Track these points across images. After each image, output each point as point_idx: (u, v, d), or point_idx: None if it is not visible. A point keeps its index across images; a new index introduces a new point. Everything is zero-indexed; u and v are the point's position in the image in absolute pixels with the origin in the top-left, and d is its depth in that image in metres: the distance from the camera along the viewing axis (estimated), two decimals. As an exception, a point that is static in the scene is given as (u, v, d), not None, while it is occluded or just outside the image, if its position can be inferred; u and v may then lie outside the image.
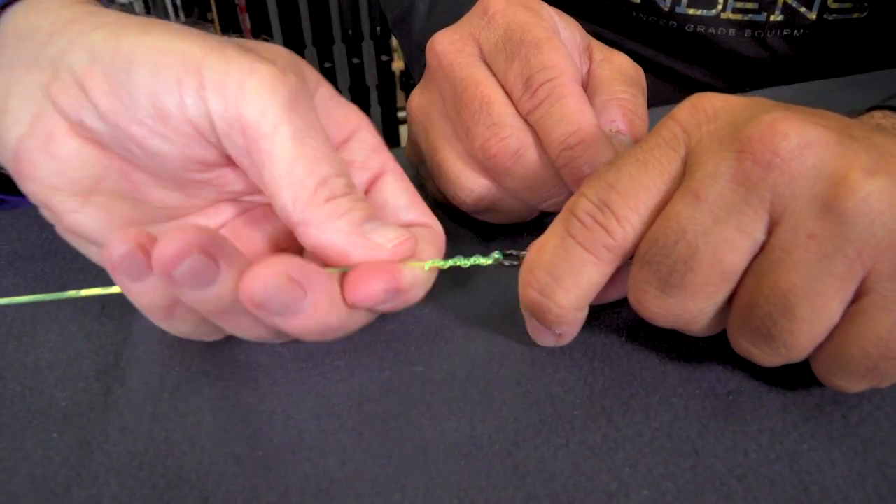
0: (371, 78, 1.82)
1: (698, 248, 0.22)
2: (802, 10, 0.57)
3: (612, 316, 0.29)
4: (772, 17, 0.57)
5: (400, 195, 0.30)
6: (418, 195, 0.30)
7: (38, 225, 0.37)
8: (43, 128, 0.25)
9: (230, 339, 0.29)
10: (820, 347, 0.23)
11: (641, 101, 0.33)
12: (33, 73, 0.26)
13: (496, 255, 0.29)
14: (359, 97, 1.83)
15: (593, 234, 0.24)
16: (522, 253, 0.27)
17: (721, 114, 0.23)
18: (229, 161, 0.26)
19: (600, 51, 0.34)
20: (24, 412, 0.26)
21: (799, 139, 0.21)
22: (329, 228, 0.25)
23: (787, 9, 0.56)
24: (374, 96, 1.85)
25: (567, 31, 0.34)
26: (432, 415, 0.26)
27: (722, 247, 0.22)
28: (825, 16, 0.57)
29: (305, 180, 0.25)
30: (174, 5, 1.77)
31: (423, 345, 0.29)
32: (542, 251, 0.26)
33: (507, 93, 0.31)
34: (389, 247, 0.26)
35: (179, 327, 0.26)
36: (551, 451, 0.24)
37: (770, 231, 0.22)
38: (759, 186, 0.22)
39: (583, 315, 0.26)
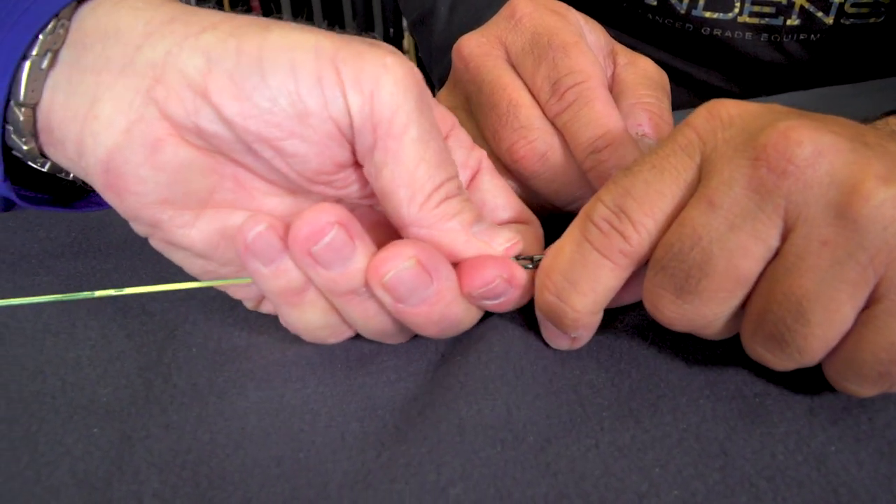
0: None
1: (713, 254, 0.23)
2: (819, 14, 0.57)
3: (637, 318, 0.30)
4: (788, 22, 0.58)
5: (497, 193, 0.30)
6: (513, 193, 0.31)
7: (66, 223, 0.38)
8: (146, 136, 0.24)
9: (283, 340, 0.29)
10: (832, 352, 0.23)
11: (666, 104, 0.33)
12: (129, 78, 0.24)
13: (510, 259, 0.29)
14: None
15: (610, 239, 0.24)
16: (537, 256, 0.28)
17: (736, 121, 0.24)
18: (356, 161, 0.26)
19: (625, 55, 0.35)
20: (65, 407, 0.27)
21: (813, 147, 0.22)
22: (441, 229, 0.25)
23: (803, 13, 0.57)
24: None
25: (592, 34, 0.34)
26: (467, 393, 0.26)
27: (737, 253, 0.23)
28: (842, 20, 0.57)
29: (425, 183, 0.25)
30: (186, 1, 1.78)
31: (466, 343, 0.29)
32: (558, 256, 0.26)
33: (533, 96, 0.32)
34: (501, 249, 0.26)
35: (308, 315, 0.27)
36: (581, 452, 0.25)
37: (784, 237, 0.23)
38: (773, 193, 0.22)
39: (598, 318, 0.27)
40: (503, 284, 0.26)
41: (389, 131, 0.24)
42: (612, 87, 0.34)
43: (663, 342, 0.29)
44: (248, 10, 1.67)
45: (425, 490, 0.23)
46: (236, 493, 0.24)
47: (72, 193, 0.32)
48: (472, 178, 0.30)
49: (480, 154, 0.30)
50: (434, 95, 0.35)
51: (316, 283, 0.25)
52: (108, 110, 0.24)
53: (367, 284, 0.25)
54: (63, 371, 0.28)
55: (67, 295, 0.27)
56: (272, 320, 0.30)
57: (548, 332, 0.28)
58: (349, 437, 0.25)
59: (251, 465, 0.25)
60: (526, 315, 0.30)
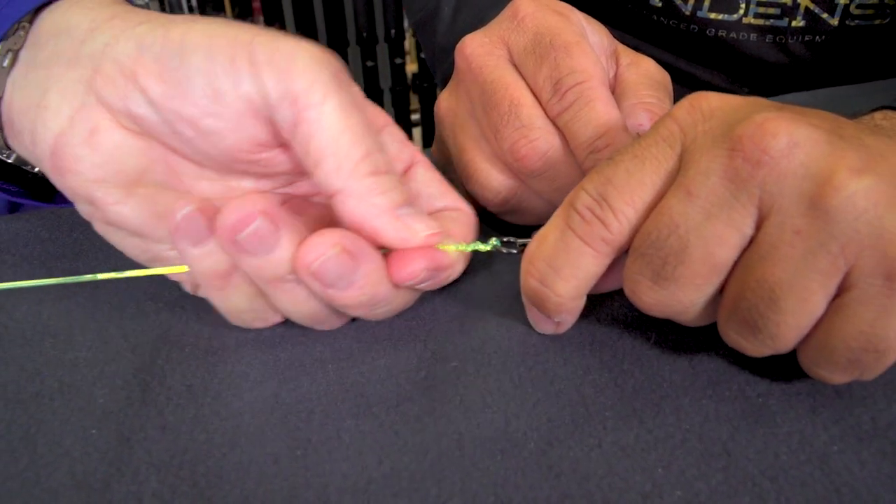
0: (385, 81, 1.82)
1: (689, 241, 0.23)
2: (825, 16, 0.57)
3: (640, 319, 0.30)
4: (793, 23, 0.57)
5: (431, 184, 0.31)
6: (447, 183, 0.31)
7: (68, 225, 0.38)
8: (85, 121, 0.26)
9: (273, 340, 0.29)
10: (805, 339, 0.24)
11: (668, 104, 0.33)
12: (73, 70, 0.26)
13: (494, 241, 0.30)
14: (372, 100, 1.83)
15: (591, 227, 0.25)
16: (521, 241, 0.28)
17: (717, 113, 0.24)
18: (279, 142, 0.27)
19: (627, 55, 0.35)
20: (62, 409, 0.27)
21: (788, 138, 0.22)
22: (368, 202, 0.26)
23: (808, 14, 0.57)
24: (387, 99, 1.86)
25: (595, 35, 0.34)
26: (466, 408, 0.26)
27: (712, 241, 0.23)
28: (847, 22, 0.57)
29: (350, 150, 0.26)
30: (189, 6, 1.78)
31: (457, 341, 0.29)
32: (542, 243, 0.27)
33: (535, 95, 0.32)
34: (422, 236, 0.27)
35: (234, 299, 0.27)
36: (585, 452, 0.24)
37: (758, 226, 0.23)
38: (748, 183, 0.22)
39: (580, 303, 0.27)
40: (430, 272, 0.27)
41: (308, 102, 0.25)
42: (614, 87, 0.34)
43: (666, 342, 0.29)
44: (249, 11, 1.68)
45: None
46: (234, 492, 0.24)
47: (46, 188, 0.34)
48: (407, 171, 0.31)
49: (414, 149, 0.32)
50: (437, 95, 0.36)
51: (243, 269, 0.26)
52: (55, 100, 0.26)
53: (294, 272, 0.25)
54: (61, 372, 0.28)
55: (68, 278, 0.29)
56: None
57: (533, 316, 0.29)
58: (345, 434, 0.25)
59: (248, 464, 0.24)
60: (525, 316, 0.30)
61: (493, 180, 0.33)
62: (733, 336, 0.25)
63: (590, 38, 0.33)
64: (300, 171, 0.28)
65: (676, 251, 0.24)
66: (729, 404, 0.26)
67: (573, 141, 0.30)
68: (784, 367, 0.27)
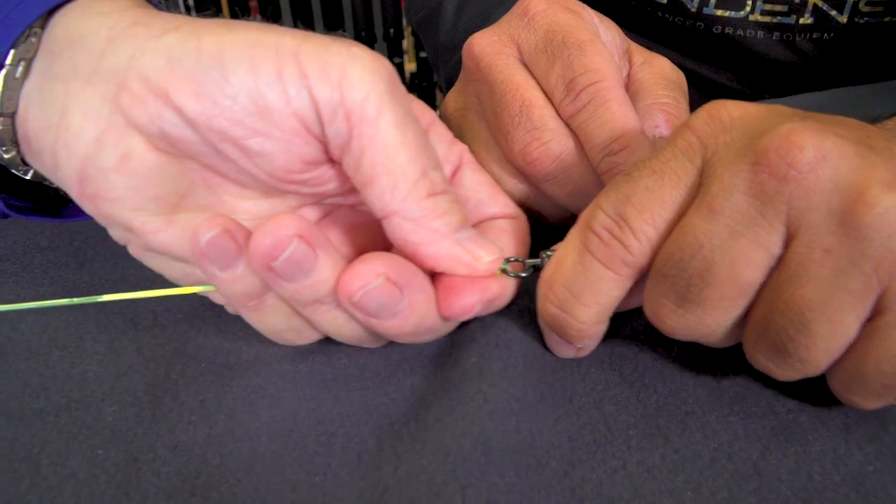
0: (384, 79, 1.81)
1: (715, 262, 0.22)
2: (833, 13, 0.56)
3: (660, 334, 0.29)
4: (801, 20, 0.57)
5: (481, 188, 0.29)
6: (497, 186, 0.30)
7: (68, 232, 0.37)
8: (115, 145, 0.24)
9: (294, 353, 0.28)
10: (836, 363, 0.23)
11: (684, 105, 0.32)
12: (95, 86, 0.24)
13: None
14: (371, 98, 1.82)
15: (611, 249, 0.24)
16: (530, 262, 0.27)
17: (737, 124, 0.23)
18: (329, 157, 0.25)
19: (640, 54, 0.33)
20: (69, 427, 0.26)
21: (815, 151, 0.21)
22: (426, 227, 0.24)
23: (817, 11, 0.56)
24: (386, 98, 1.84)
25: (608, 33, 0.33)
26: (492, 410, 0.25)
27: (738, 261, 0.22)
28: (856, 19, 0.56)
29: (406, 169, 0.24)
30: (186, 5, 1.77)
31: (478, 337, 0.28)
32: (559, 267, 0.25)
33: (547, 96, 0.31)
34: (486, 261, 0.25)
35: (270, 321, 0.26)
36: (608, 474, 0.24)
37: (787, 244, 0.22)
38: (775, 199, 0.21)
39: (603, 328, 0.26)
40: (484, 305, 0.26)
41: (363, 116, 0.23)
42: (628, 86, 0.33)
43: (688, 355, 0.28)
44: (247, 10, 1.67)
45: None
46: (249, 521, 0.23)
47: (57, 202, 0.31)
48: (455, 174, 0.30)
49: (462, 148, 0.30)
50: (443, 96, 0.35)
51: (278, 294, 0.25)
52: (77, 120, 0.24)
53: (337, 299, 0.24)
54: (68, 387, 0.27)
55: (75, 300, 0.27)
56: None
57: (552, 341, 0.27)
58: (366, 456, 0.24)
59: (264, 491, 0.23)
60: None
61: (504, 184, 0.32)
62: (761, 360, 0.24)
63: (602, 37, 0.32)
64: (350, 189, 0.26)
65: (701, 272, 0.22)
66: (758, 421, 0.25)
67: (588, 143, 0.29)
68: (813, 381, 0.26)
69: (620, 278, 0.24)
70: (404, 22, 1.79)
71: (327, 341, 0.28)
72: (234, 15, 1.68)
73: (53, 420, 0.26)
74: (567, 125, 0.30)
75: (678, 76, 0.33)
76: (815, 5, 0.55)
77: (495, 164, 0.32)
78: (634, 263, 0.24)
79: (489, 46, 0.32)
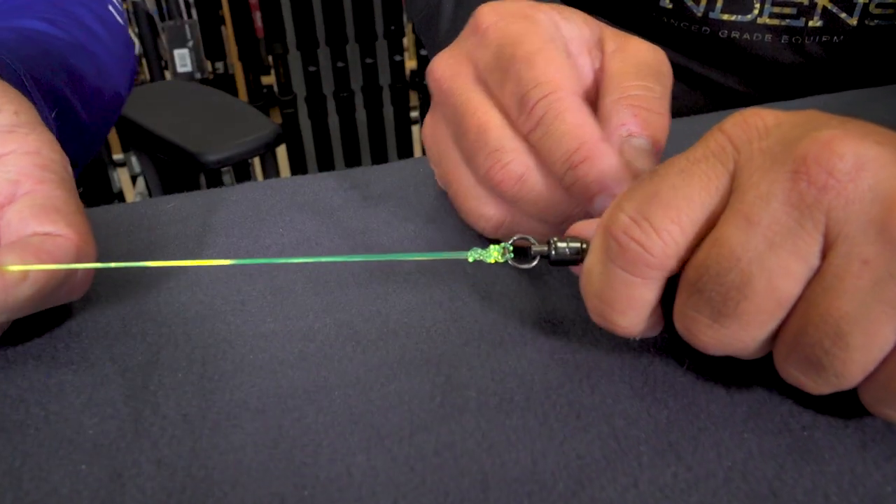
0: (384, 77, 1.80)
1: (753, 275, 0.21)
2: (843, 15, 0.55)
3: (673, 342, 0.28)
4: (810, 23, 0.55)
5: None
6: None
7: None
8: None
9: (272, 365, 0.27)
10: (870, 376, 0.22)
11: (659, 92, 0.30)
12: None
13: (496, 250, 0.27)
14: (371, 96, 1.81)
15: (632, 254, 0.23)
16: (535, 248, 0.26)
17: (773, 131, 0.22)
18: None
19: (613, 40, 0.31)
20: (50, 440, 0.25)
21: (855, 160, 0.20)
22: None
23: (826, 14, 0.55)
24: (386, 96, 1.83)
25: (573, 29, 0.31)
26: (490, 445, 0.24)
27: (777, 273, 0.21)
28: (866, 21, 0.55)
29: None
30: (186, 3, 1.76)
31: (475, 367, 0.27)
32: (588, 279, 0.24)
33: (506, 114, 0.29)
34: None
35: None
36: (619, 493, 0.22)
37: (824, 255, 0.21)
38: (813, 209, 0.20)
39: (654, 319, 0.25)
40: None
41: None
42: (598, 80, 0.31)
43: (701, 368, 0.26)
44: (247, 7, 1.65)
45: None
46: (237, 540, 0.21)
47: None
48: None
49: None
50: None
51: None
52: None
53: None
54: (46, 399, 0.26)
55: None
56: (256, 341, 0.28)
57: None
58: (356, 471, 0.23)
59: (252, 506, 0.22)
60: (546, 339, 0.28)
61: (482, 207, 0.31)
62: (793, 373, 0.23)
63: (565, 33, 0.31)
64: None
65: (738, 286, 0.21)
66: (773, 438, 0.24)
67: (548, 159, 0.28)
68: (829, 396, 0.25)
69: (648, 282, 0.23)
70: (405, 19, 1.78)
71: (303, 355, 0.28)
72: (235, 10, 1.66)
73: (34, 433, 0.25)
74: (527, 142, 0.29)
75: (655, 57, 0.31)
76: (824, 8, 0.54)
77: (472, 188, 0.31)
78: (659, 266, 0.23)
79: (448, 69, 0.31)
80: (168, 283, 0.32)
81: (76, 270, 0.28)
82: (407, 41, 1.82)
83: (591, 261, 0.24)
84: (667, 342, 0.28)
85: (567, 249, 0.26)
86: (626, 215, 0.23)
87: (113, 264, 0.28)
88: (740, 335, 0.22)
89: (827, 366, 0.21)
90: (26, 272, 0.26)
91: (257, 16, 1.70)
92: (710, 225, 0.22)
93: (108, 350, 0.28)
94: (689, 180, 0.22)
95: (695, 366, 0.27)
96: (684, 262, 0.23)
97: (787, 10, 0.55)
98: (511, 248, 0.27)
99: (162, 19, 1.75)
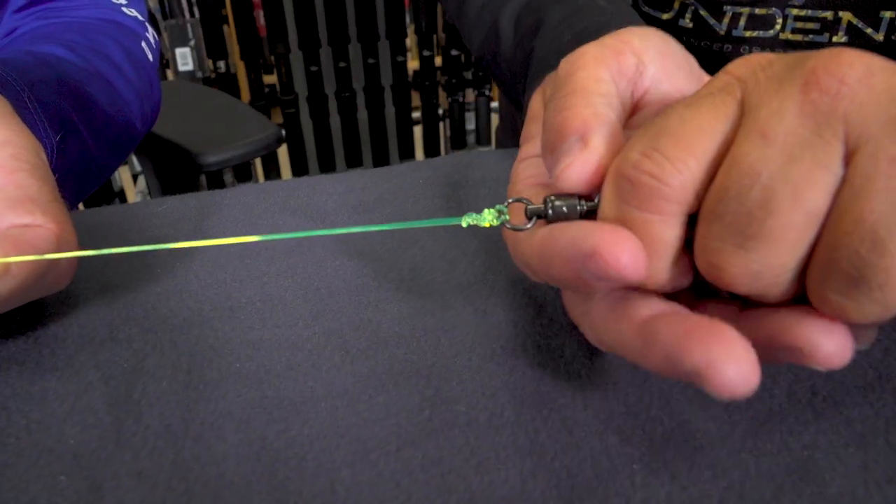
0: (386, 78, 1.80)
1: (776, 189, 0.20)
2: (869, 31, 0.53)
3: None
4: (835, 38, 0.54)
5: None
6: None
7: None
8: None
9: (259, 374, 0.27)
10: None
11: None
12: None
13: (490, 213, 0.25)
14: (373, 96, 1.80)
15: (646, 188, 0.21)
16: (532, 207, 0.24)
17: (776, 61, 0.21)
18: None
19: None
20: (30, 449, 0.24)
21: (865, 67, 0.20)
22: None
23: (851, 29, 0.53)
24: (388, 96, 1.83)
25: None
26: (478, 462, 0.23)
27: (802, 185, 0.20)
28: (893, 37, 0.54)
29: None
30: (188, 2, 1.75)
31: (465, 380, 0.26)
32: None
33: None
34: None
35: None
36: (611, 513, 0.22)
37: (847, 162, 0.20)
38: (830, 117, 0.20)
39: (682, 266, 0.23)
40: None
41: None
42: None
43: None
44: (250, 7, 1.65)
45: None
46: (216, 560, 0.21)
47: None
48: None
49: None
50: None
51: None
52: None
53: None
54: (28, 407, 0.25)
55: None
56: (244, 349, 0.28)
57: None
58: (340, 487, 0.23)
59: (233, 523, 0.22)
60: (540, 352, 0.27)
61: None
62: (833, 298, 0.21)
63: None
64: None
65: (762, 203, 0.20)
66: (771, 458, 0.23)
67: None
68: (830, 415, 0.24)
69: (668, 217, 0.22)
70: (407, 19, 1.78)
71: (291, 365, 0.27)
72: (237, 10, 1.66)
73: (14, 442, 0.24)
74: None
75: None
76: (849, 23, 0.53)
77: None
78: (677, 199, 0.21)
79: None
80: (157, 288, 0.32)
81: (59, 259, 0.27)
82: (409, 41, 1.81)
83: (605, 209, 0.23)
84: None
85: (565, 207, 0.24)
86: (636, 152, 0.22)
87: (92, 252, 0.27)
88: (770, 259, 0.21)
89: (868, 277, 0.20)
90: (7, 265, 0.25)
91: (259, 15, 1.70)
92: (724, 155, 0.21)
93: (93, 356, 0.28)
94: (697, 111, 0.21)
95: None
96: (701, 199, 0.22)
97: (810, 26, 0.54)
98: (506, 210, 0.26)
99: (164, 17, 1.75)
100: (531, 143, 0.29)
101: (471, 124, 2.00)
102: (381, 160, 1.88)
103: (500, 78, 0.52)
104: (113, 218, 0.37)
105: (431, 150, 1.99)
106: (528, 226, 0.24)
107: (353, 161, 1.87)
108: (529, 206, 0.25)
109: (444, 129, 2.03)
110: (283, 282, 0.32)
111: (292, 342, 0.28)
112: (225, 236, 0.35)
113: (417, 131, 1.97)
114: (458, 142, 2.00)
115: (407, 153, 1.94)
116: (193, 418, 0.25)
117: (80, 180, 0.47)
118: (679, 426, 0.24)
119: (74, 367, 0.27)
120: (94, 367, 0.27)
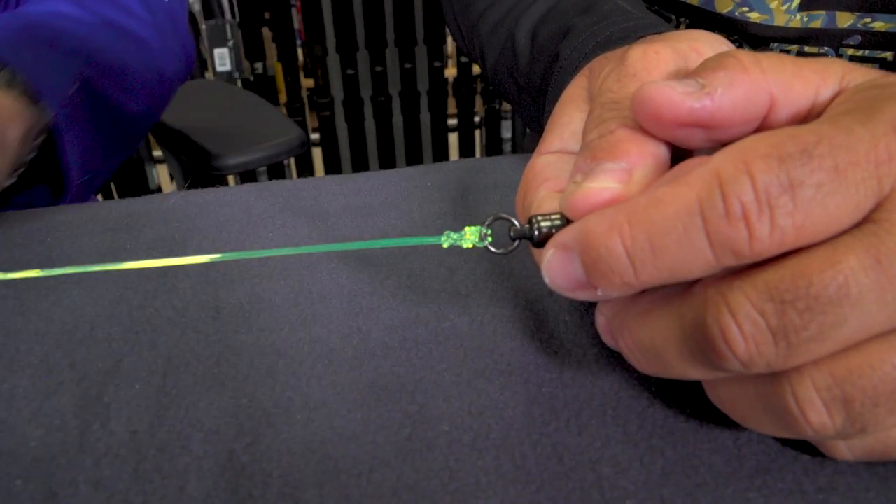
0: (423, 84, 1.79)
1: (849, 311, 0.18)
2: (879, 53, 0.51)
3: (675, 384, 0.25)
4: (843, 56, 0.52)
5: None
6: None
7: (45, 229, 0.35)
8: None
9: (237, 380, 0.25)
10: None
11: None
12: None
13: (471, 232, 0.24)
14: (409, 103, 1.80)
15: (729, 230, 0.18)
16: (518, 229, 0.23)
17: None
18: None
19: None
20: (-10, 450, 0.23)
21: None
22: None
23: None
24: (424, 102, 1.82)
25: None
26: (457, 488, 0.21)
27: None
28: None
29: None
30: (230, 3, 1.77)
31: (452, 397, 0.24)
32: (655, 206, 0.19)
33: None
34: None
35: None
36: (597, 553, 0.20)
37: None
38: None
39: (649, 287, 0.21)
40: None
41: None
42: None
43: (706, 415, 0.24)
44: (288, 9, 1.65)
45: None
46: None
47: None
48: None
49: None
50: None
51: None
52: None
53: None
54: (-6, 405, 0.24)
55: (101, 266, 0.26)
56: (224, 353, 0.27)
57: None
58: (312, 508, 0.21)
59: (186, 544, 0.20)
60: (536, 370, 0.25)
61: None
62: None
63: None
64: None
65: (834, 322, 0.18)
66: (782, 499, 0.21)
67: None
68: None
69: (711, 266, 0.19)
70: (446, 27, 1.77)
71: (271, 372, 0.26)
72: (277, 12, 1.67)
73: (-24, 441, 0.23)
74: None
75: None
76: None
77: None
78: (743, 257, 0.18)
79: None
80: (145, 286, 0.30)
81: None
82: (448, 48, 1.80)
83: (673, 194, 0.19)
84: (667, 383, 0.25)
85: (553, 228, 0.22)
86: (752, 188, 0.18)
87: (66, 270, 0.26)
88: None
89: None
90: None
91: (299, 18, 1.70)
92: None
93: (69, 355, 0.27)
94: (836, 189, 0.18)
95: (700, 413, 0.24)
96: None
97: (816, 50, 0.52)
98: (489, 231, 0.24)
99: (206, 18, 1.76)
100: (557, 132, 0.26)
101: (507, 132, 1.98)
102: (415, 164, 1.87)
103: (512, 95, 0.51)
104: (110, 213, 0.36)
105: (467, 157, 1.98)
106: (512, 248, 0.23)
107: (387, 166, 1.87)
108: (513, 229, 0.23)
109: (480, 136, 2.02)
110: (274, 284, 0.30)
111: (276, 348, 0.27)
112: (220, 236, 0.34)
113: (453, 138, 1.96)
114: (493, 149, 1.98)
115: (442, 160, 1.93)
116: (161, 425, 0.24)
117: (111, 135, 0.47)
118: (681, 459, 0.22)
119: (49, 365, 0.26)
120: (69, 367, 0.26)
